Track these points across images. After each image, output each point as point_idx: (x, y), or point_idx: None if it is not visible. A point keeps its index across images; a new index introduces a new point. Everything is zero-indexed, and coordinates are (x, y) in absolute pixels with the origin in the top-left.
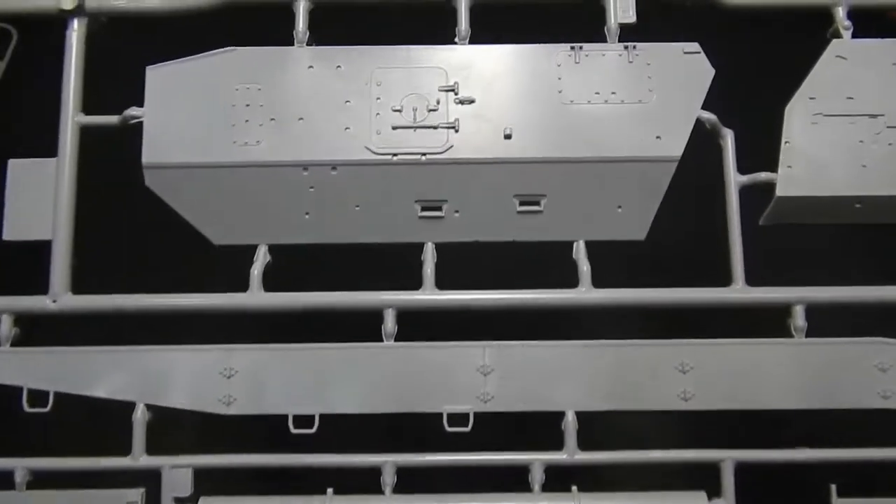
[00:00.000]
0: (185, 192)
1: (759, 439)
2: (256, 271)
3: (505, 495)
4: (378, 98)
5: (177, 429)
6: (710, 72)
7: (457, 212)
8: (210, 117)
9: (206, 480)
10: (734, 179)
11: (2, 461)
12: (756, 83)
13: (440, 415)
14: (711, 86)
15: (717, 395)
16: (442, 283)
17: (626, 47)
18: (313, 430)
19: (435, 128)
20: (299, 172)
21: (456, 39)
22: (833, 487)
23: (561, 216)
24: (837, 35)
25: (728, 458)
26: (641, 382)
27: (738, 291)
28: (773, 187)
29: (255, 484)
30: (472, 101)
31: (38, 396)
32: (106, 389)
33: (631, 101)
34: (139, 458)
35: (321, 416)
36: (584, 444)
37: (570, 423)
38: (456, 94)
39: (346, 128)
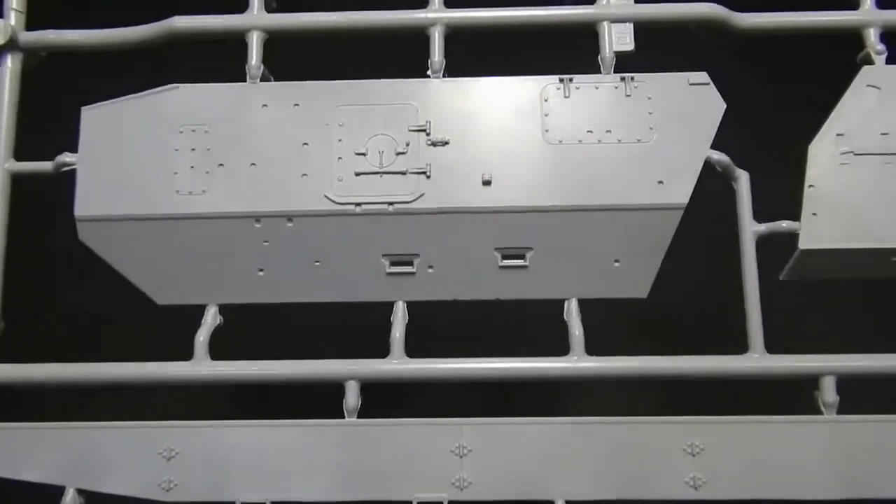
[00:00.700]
0: (122, 247)
1: None
2: (202, 337)
3: None
4: (340, 140)
5: None
6: (720, 106)
7: (430, 267)
8: (150, 163)
9: None
10: (750, 228)
11: None
12: (773, 117)
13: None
14: (722, 121)
15: (732, 482)
16: (413, 351)
17: (622, 78)
18: None
19: (404, 173)
20: (251, 224)
21: (428, 72)
22: None
23: (549, 271)
24: (869, 61)
25: None
26: (643, 467)
27: (757, 360)
28: (796, 238)
29: None
30: (446, 143)
31: None
32: (32, 472)
33: (629, 141)
34: None
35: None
36: None
37: None
38: (428, 134)
39: (304, 174)
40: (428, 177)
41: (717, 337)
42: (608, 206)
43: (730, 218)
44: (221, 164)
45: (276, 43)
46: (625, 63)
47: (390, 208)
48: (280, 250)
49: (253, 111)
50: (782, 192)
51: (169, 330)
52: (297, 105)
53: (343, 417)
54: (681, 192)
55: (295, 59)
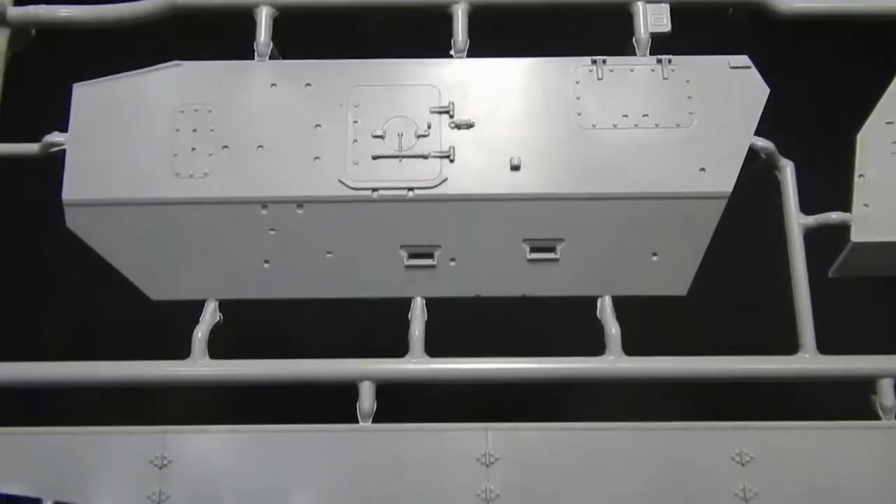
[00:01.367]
0: (114, 235)
1: None
2: (200, 334)
3: None
4: (355, 122)
5: None
6: (763, 90)
7: (452, 260)
8: (147, 144)
9: None
10: (797, 221)
11: None
12: (819, 103)
13: None
14: (765, 108)
15: (785, 493)
16: (434, 350)
17: (659, 61)
18: None
19: (425, 157)
20: (257, 211)
21: (451, 52)
22: None
23: (582, 266)
24: None
25: None
26: (689, 477)
27: (809, 361)
28: (846, 231)
29: None
30: (470, 126)
31: None
32: (7, 482)
33: (667, 126)
34: None
35: None
36: None
37: None
38: (451, 116)
39: (316, 157)
40: (451, 161)
41: (765, 337)
42: (646, 194)
43: (770, 210)
44: (226, 147)
45: (287, 20)
46: (660, 46)
47: (410, 194)
48: (288, 240)
49: (261, 90)
50: (827, 184)
51: (165, 327)
52: (308, 85)
53: (356, 423)
54: (724, 180)
55: (307, 37)
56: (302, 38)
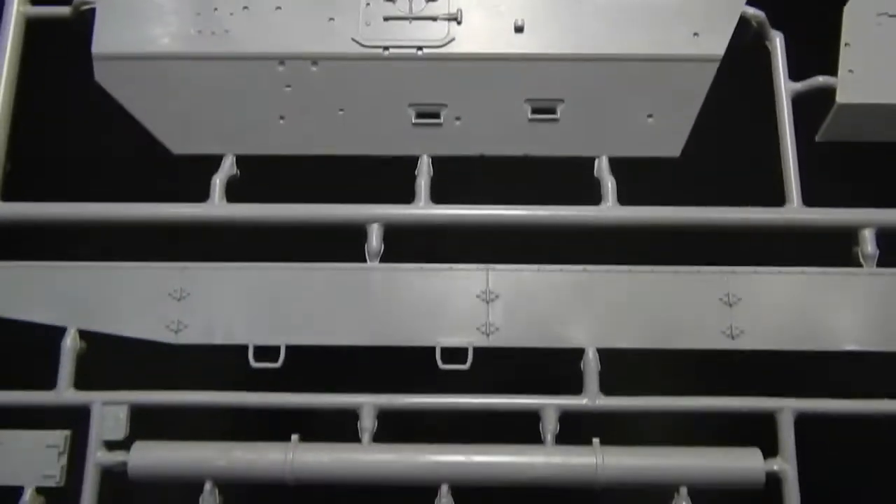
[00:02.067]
0: (139, 89)
1: (823, 388)
2: (219, 180)
3: (510, 447)
4: None
5: (113, 364)
6: None
7: (458, 119)
8: (173, 3)
9: (146, 424)
10: (785, 86)
11: None
12: None
13: (432, 350)
14: None
15: (769, 333)
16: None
17: None
18: (278, 365)
19: (434, 19)
20: (274, 67)
21: None
22: None
23: (581, 126)
24: None
25: (786, 407)
26: (678, 316)
27: (795, 212)
28: (832, 94)
29: (204, 430)
30: None
31: None
32: (31, 311)
33: None
34: (65, 393)
35: (289, 348)
36: (606, 391)
37: (590, 362)
38: None
39: (331, 18)
40: (459, 22)
41: (753, 198)
42: (642, 55)
43: (763, 80)
44: (246, 8)
45: None
46: None
47: (419, 53)
48: (303, 96)
49: None
50: (816, 54)
51: (183, 184)
52: None
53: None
54: (716, 43)
55: None
56: None
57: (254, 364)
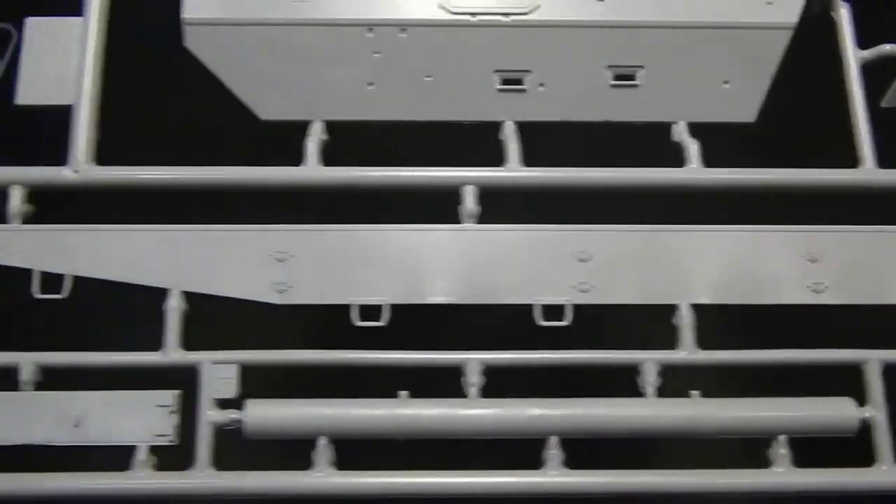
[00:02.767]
0: (229, 54)
1: None
2: (312, 143)
3: (613, 400)
4: None
5: (214, 326)
6: None
7: (541, 85)
8: None
9: (252, 384)
10: (854, 54)
11: (4, 356)
12: None
13: (529, 310)
14: None
15: (853, 288)
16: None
17: None
18: (383, 324)
19: None
20: (363, 34)
21: None
22: None
23: (660, 92)
24: None
25: (873, 358)
26: (764, 272)
27: (870, 174)
28: None
29: (311, 389)
30: None
31: (51, 281)
32: (134, 274)
33: None
34: (172, 354)
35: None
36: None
37: (685, 318)
38: None
39: None
40: None
41: (824, 158)
42: (719, 24)
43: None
44: None
45: None
46: None
47: (506, 19)
48: (391, 62)
49: None
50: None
51: (272, 150)
52: None
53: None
54: (789, 11)
55: None
56: None
57: (358, 323)
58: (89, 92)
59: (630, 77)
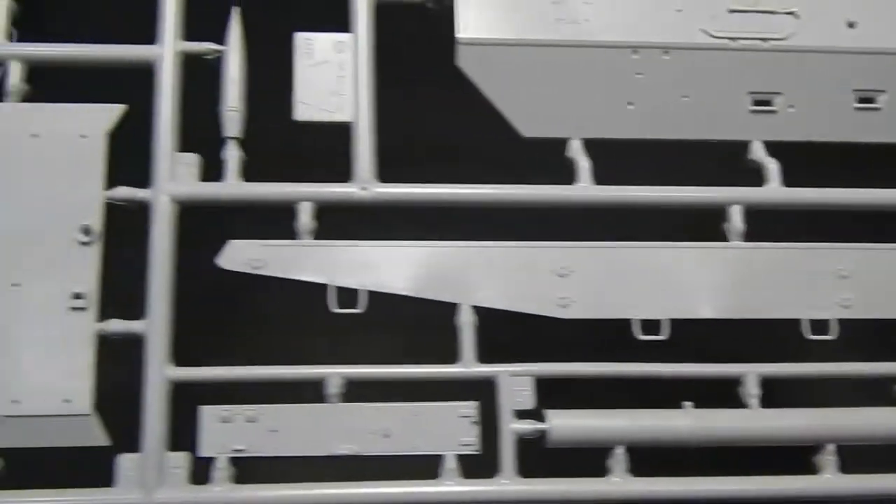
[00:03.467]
0: (498, 73)
1: None
2: (581, 162)
3: (883, 410)
4: None
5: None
6: None
7: (791, 107)
8: None
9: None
10: None
11: (314, 369)
12: None
13: (796, 324)
14: None
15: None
16: None
17: None
18: (664, 337)
19: (773, 13)
20: (628, 56)
21: None
22: None
23: None
24: None
25: None
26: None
27: None
28: None
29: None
30: None
31: (347, 295)
32: (425, 289)
33: None
34: (472, 366)
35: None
36: None
37: None
38: None
39: (678, 10)
40: (797, 17)
41: None
42: None
43: None
44: None
45: None
46: None
47: (764, 44)
48: (652, 83)
49: None
50: None
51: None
52: None
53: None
54: None
55: None
56: None
57: (641, 336)
58: (366, 109)
59: (872, 100)
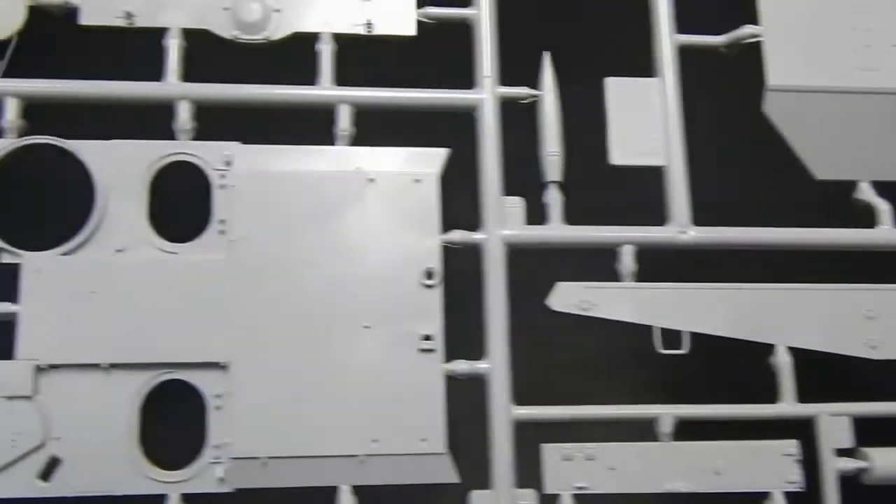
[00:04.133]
0: (800, 118)
1: None
2: (882, 206)
3: None
4: None
5: None
6: None
7: None
8: (833, 40)
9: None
10: None
11: (648, 409)
12: None
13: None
14: None
15: None
16: None
17: None
18: None
19: None
20: None
21: None
22: None
23: None
24: None
25: None
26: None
27: None
28: None
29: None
30: None
31: (671, 337)
32: (741, 330)
33: None
34: (793, 406)
35: None
36: None
37: None
38: None
39: None
40: None
41: None
42: None
43: None
44: (894, 45)
45: None
46: None
47: None
48: None
49: None
50: None
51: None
52: None
53: None
54: None
55: None
56: None
57: None
58: (678, 153)
59: None
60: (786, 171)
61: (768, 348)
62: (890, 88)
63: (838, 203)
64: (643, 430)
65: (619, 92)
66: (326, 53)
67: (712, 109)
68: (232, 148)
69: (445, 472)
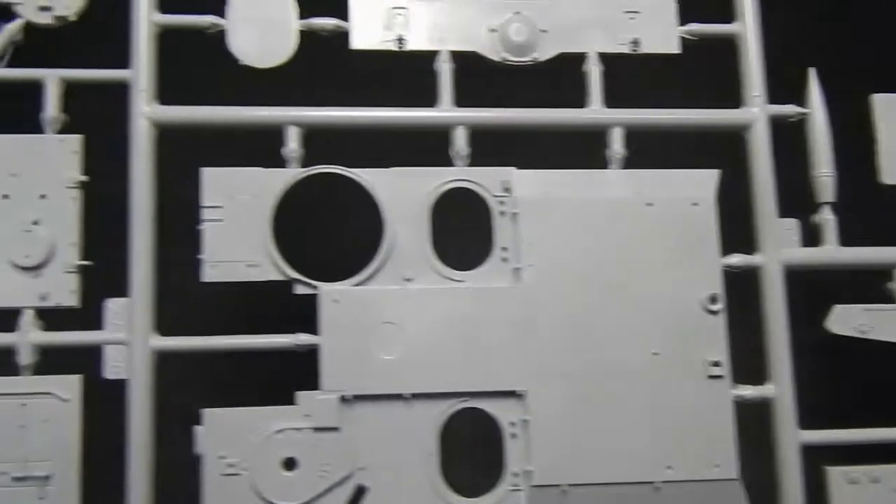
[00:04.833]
0: None
1: None
2: None
3: None
4: None
5: None
6: None
7: None
8: None
9: None
10: None
11: None
12: None
13: None
14: None
15: None
16: None
17: None
18: None
19: None
20: None
21: None
22: None
23: None
24: None
25: None
26: None
27: None
28: None
29: None
30: None
31: None
32: None
33: None
34: None
35: None
36: None
37: None
38: None
39: None
40: None
41: None
42: None
43: None
44: None
45: None
46: None
47: None
48: None
49: None
50: None
51: None
52: None
53: None
54: None
55: None
56: None
57: None
58: None
59: None
60: None
61: None
62: None
63: None
64: None
65: (887, 109)
66: (595, 74)
67: None
68: (510, 173)
69: (737, 499)
